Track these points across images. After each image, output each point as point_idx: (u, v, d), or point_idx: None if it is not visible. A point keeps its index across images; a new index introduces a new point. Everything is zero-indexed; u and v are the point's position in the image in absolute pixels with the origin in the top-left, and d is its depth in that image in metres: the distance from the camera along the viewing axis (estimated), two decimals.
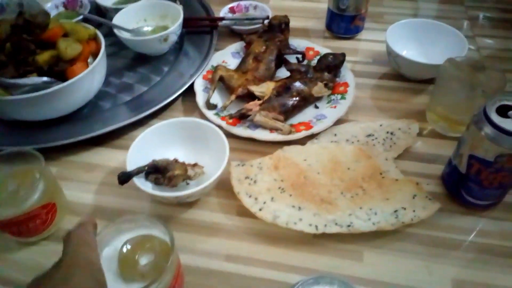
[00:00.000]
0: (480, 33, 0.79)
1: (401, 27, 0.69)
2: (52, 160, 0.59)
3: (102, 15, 0.80)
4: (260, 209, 0.49)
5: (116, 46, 0.75)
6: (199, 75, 0.69)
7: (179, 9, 0.74)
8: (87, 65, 0.61)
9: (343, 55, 0.67)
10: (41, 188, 0.47)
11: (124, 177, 0.49)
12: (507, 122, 0.42)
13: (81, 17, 0.76)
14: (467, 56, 0.63)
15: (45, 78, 0.58)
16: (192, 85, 0.67)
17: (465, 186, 0.49)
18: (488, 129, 0.43)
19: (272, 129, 0.60)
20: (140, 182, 0.50)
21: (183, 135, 0.56)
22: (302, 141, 0.58)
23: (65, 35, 0.61)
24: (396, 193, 0.50)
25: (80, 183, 0.56)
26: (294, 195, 0.51)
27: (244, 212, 0.50)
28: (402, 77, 0.69)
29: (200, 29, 0.79)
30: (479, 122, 0.44)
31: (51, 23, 0.60)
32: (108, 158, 0.59)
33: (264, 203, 0.50)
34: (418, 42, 0.71)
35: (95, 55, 0.63)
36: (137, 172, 0.50)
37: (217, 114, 0.63)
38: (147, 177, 0.52)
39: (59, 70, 0.58)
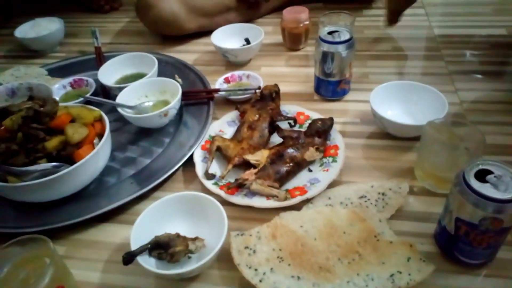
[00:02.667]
0: (461, 87, 0.84)
1: (383, 89, 0.74)
2: (60, 239, 0.62)
3: (106, 92, 0.87)
4: (261, 281, 0.51)
5: (120, 121, 0.80)
6: (198, 145, 0.73)
7: (177, 85, 0.79)
8: (93, 147, 0.65)
9: (331, 119, 0.71)
10: (50, 273, 0.49)
11: (128, 258, 0.51)
12: (486, 187, 0.45)
13: (84, 99, 0.82)
14: (447, 115, 0.67)
15: (54, 163, 0.62)
16: (192, 156, 0.71)
17: (456, 246, 0.51)
18: (469, 195, 0.45)
19: (269, 196, 0.63)
20: (143, 259, 0.52)
21: (183, 209, 0.59)
22: (298, 206, 0.61)
23: (72, 120, 0.66)
24: (391, 256, 0.52)
25: (87, 262, 0.59)
26: (292, 264, 0.52)
27: (245, 284, 0.52)
28: (389, 135, 0.72)
29: (198, 100, 0.84)
30: (459, 186, 0.47)
31: (59, 110, 0.65)
32: (113, 234, 0.62)
33: (264, 274, 0.52)
34: (401, 101, 0.75)
35: (100, 134, 0.67)
36: (140, 251, 0.52)
37: (216, 183, 0.66)
38: (150, 253, 0.55)
39: (67, 154, 0.62)
